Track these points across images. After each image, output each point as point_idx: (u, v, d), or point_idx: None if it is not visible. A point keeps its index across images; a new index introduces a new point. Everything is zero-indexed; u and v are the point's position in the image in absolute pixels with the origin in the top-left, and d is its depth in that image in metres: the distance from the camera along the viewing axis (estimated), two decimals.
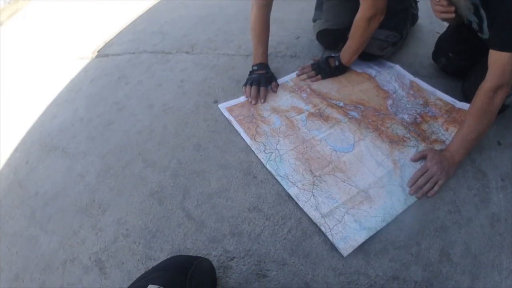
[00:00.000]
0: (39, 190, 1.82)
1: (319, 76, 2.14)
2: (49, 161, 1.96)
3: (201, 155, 1.80)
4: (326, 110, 1.95)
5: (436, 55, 2.23)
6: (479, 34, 1.80)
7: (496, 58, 1.51)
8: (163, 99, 2.17)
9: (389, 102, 2.01)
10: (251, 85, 2.05)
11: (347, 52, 2.04)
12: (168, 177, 1.72)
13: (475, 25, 1.76)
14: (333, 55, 2.15)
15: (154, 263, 1.39)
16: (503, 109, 1.80)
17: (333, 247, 1.42)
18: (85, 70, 2.66)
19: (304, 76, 2.15)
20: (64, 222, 1.65)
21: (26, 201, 1.79)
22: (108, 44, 2.91)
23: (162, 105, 2.13)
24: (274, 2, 2.12)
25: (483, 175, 1.66)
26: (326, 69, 2.12)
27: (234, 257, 1.43)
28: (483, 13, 1.63)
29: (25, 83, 2.74)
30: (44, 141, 2.09)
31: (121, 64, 2.61)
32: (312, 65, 2.17)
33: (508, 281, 1.31)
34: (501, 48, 1.48)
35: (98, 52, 2.83)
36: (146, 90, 2.28)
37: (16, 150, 2.12)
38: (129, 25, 3.18)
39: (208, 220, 1.54)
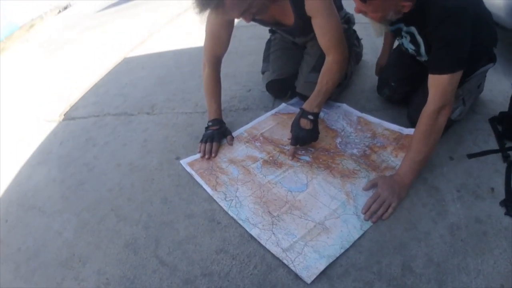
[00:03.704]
0: (21, 246, 1.87)
1: (297, 145, 2.05)
2: (28, 219, 2.03)
3: (168, 208, 1.92)
4: (279, 157, 2.07)
5: (379, 87, 2.35)
6: (417, 58, 1.93)
7: (436, 81, 1.62)
8: (129, 158, 2.31)
9: (338, 140, 2.13)
10: (205, 142, 2.17)
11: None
12: (140, 229, 1.82)
13: (411, 51, 1.90)
14: (310, 117, 2.01)
15: None
16: (450, 124, 1.90)
17: (297, 277, 1.49)
18: (54, 133, 2.77)
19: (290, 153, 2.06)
20: (48, 275, 1.71)
21: (10, 257, 1.84)
22: (73, 107, 3.04)
23: (129, 164, 2.27)
24: (225, 58, 2.26)
25: (437, 190, 1.76)
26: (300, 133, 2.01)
27: None
28: (419, 39, 1.76)
29: None
30: (21, 201, 2.16)
31: (87, 126, 2.74)
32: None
33: (478, 280, 1.39)
34: (440, 71, 1.60)
35: (64, 115, 2.96)
36: (112, 151, 2.42)
37: None
38: (92, 87, 3.31)
39: (180, 264, 1.63)
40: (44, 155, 2.55)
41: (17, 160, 2.54)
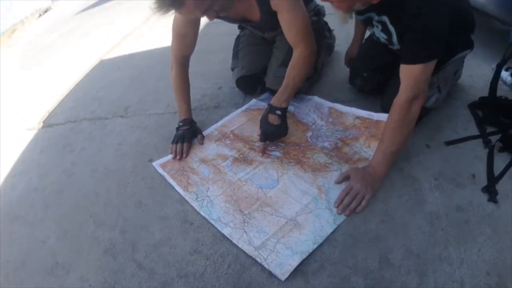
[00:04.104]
0: (9, 258, 1.89)
1: (267, 141, 2.06)
2: (13, 230, 2.03)
3: (143, 211, 1.93)
4: (249, 154, 2.07)
5: (351, 78, 2.34)
6: (389, 46, 1.91)
7: (408, 72, 1.60)
8: (104, 163, 2.32)
9: (309, 133, 2.12)
10: (176, 143, 2.17)
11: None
12: (118, 234, 1.84)
13: (383, 40, 1.89)
14: (278, 112, 2.00)
15: None
16: (425, 112, 1.90)
17: (271, 274, 1.49)
18: (34, 140, 2.78)
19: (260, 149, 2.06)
20: (36, 284, 1.71)
21: None
22: (51, 114, 3.05)
23: (104, 169, 2.27)
24: (196, 56, 2.28)
25: (414, 180, 1.74)
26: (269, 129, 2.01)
27: None
28: (391, 28, 1.75)
29: None
30: (7, 211, 2.17)
31: (64, 133, 2.75)
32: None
33: (462, 269, 1.38)
34: (414, 61, 1.57)
35: (43, 122, 2.97)
36: (88, 156, 2.43)
37: None
38: (69, 92, 3.33)
39: (157, 267, 1.65)
40: (26, 164, 2.57)
41: (2, 170, 2.56)
